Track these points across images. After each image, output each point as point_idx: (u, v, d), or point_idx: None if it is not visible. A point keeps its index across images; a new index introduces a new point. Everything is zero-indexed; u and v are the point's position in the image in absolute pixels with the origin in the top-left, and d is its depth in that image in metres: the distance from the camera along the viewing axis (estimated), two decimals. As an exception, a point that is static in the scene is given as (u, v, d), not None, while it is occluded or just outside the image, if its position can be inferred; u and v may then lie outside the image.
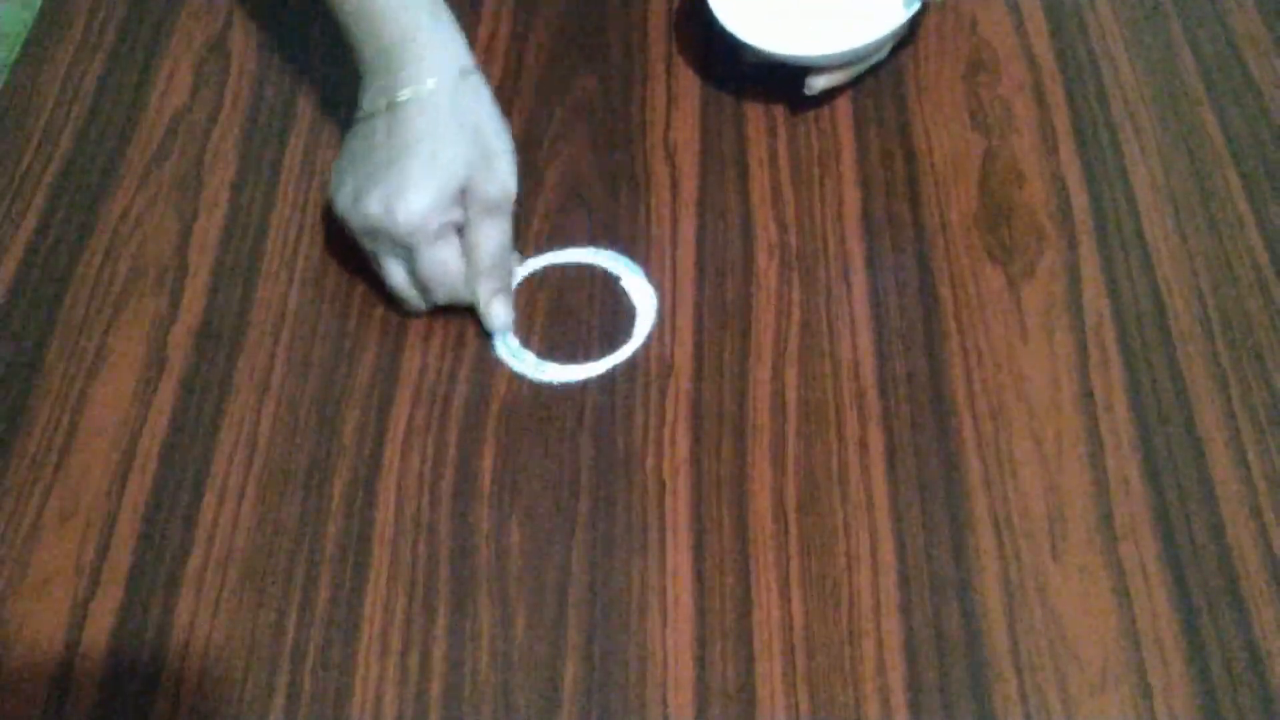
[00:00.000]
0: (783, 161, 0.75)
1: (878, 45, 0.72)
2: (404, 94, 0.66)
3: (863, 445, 0.64)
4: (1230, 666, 0.57)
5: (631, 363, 0.68)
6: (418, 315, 0.70)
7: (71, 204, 0.77)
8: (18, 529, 0.65)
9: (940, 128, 0.76)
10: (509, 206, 0.68)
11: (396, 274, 0.68)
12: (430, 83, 0.66)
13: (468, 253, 0.68)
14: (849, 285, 0.70)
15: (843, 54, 0.71)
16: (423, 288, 0.68)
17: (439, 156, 0.65)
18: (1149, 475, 0.62)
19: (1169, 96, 0.76)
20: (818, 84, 0.73)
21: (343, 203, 0.67)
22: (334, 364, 0.69)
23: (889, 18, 0.72)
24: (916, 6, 0.71)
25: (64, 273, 0.74)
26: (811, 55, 0.72)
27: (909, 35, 0.77)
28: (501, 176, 0.67)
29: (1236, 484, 0.62)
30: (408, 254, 0.66)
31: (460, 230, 0.67)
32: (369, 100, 0.68)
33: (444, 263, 0.67)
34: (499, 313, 0.68)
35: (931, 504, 0.62)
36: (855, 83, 0.76)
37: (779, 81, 0.76)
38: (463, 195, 0.66)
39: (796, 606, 0.60)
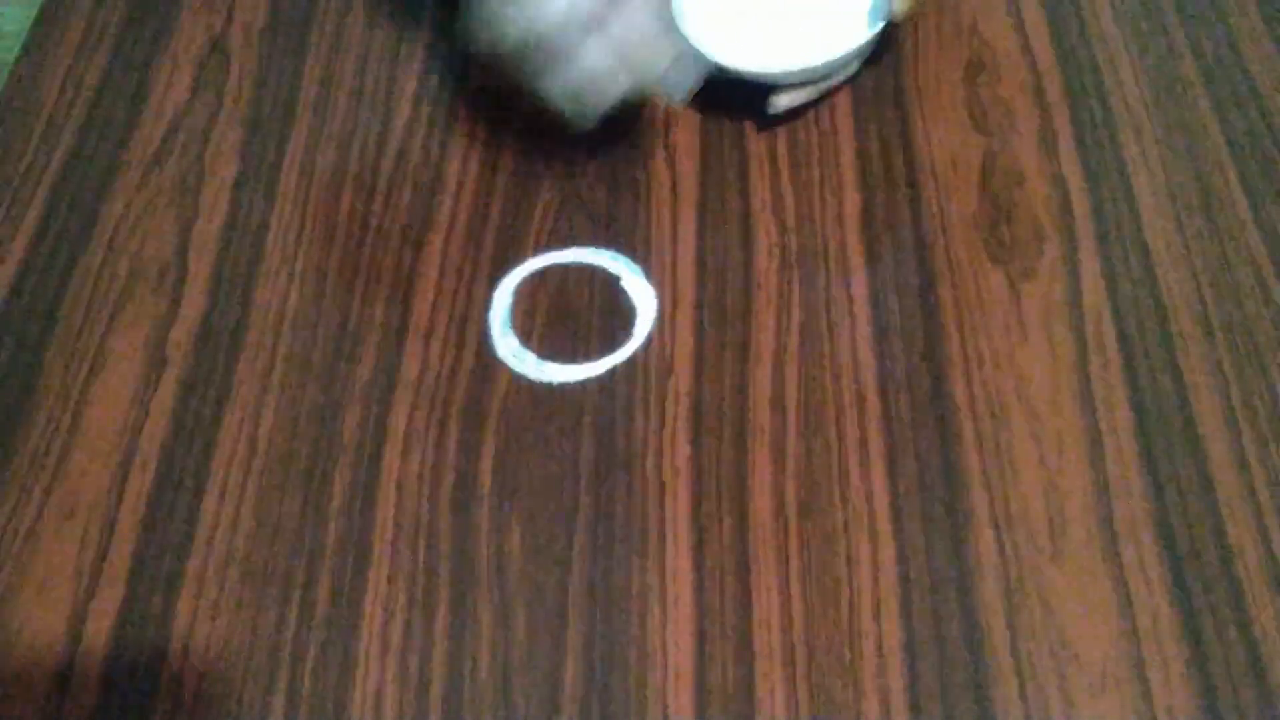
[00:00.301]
0: (783, 161, 0.75)
1: (841, 63, 0.71)
2: None
3: (863, 445, 0.64)
4: (1230, 666, 0.57)
5: (631, 363, 0.68)
6: (588, 129, 0.68)
7: (71, 204, 0.77)
8: (18, 529, 0.65)
9: (940, 128, 0.76)
10: None
11: (555, 91, 0.66)
12: None
13: (626, 35, 0.65)
14: (849, 285, 0.70)
15: (804, 71, 0.71)
16: (583, 95, 0.66)
17: None
18: (1149, 475, 0.62)
19: (1169, 96, 0.76)
20: (780, 103, 0.73)
21: (475, 34, 0.65)
22: (334, 364, 0.69)
23: (851, 36, 0.72)
24: (880, 25, 0.71)
25: (64, 273, 0.74)
26: (773, 72, 0.71)
27: (876, 53, 0.77)
28: None
29: (1236, 484, 0.62)
30: (561, 65, 0.64)
31: (609, 21, 0.65)
32: None
33: (592, 64, 0.65)
34: (679, 78, 0.67)
35: (931, 504, 0.62)
36: (858, 84, 0.76)
37: (741, 99, 0.75)
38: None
39: (796, 606, 0.60)
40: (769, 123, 0.76)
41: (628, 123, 0.78)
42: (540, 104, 0.67)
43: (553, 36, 0.64)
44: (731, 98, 0.76)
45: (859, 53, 0.72)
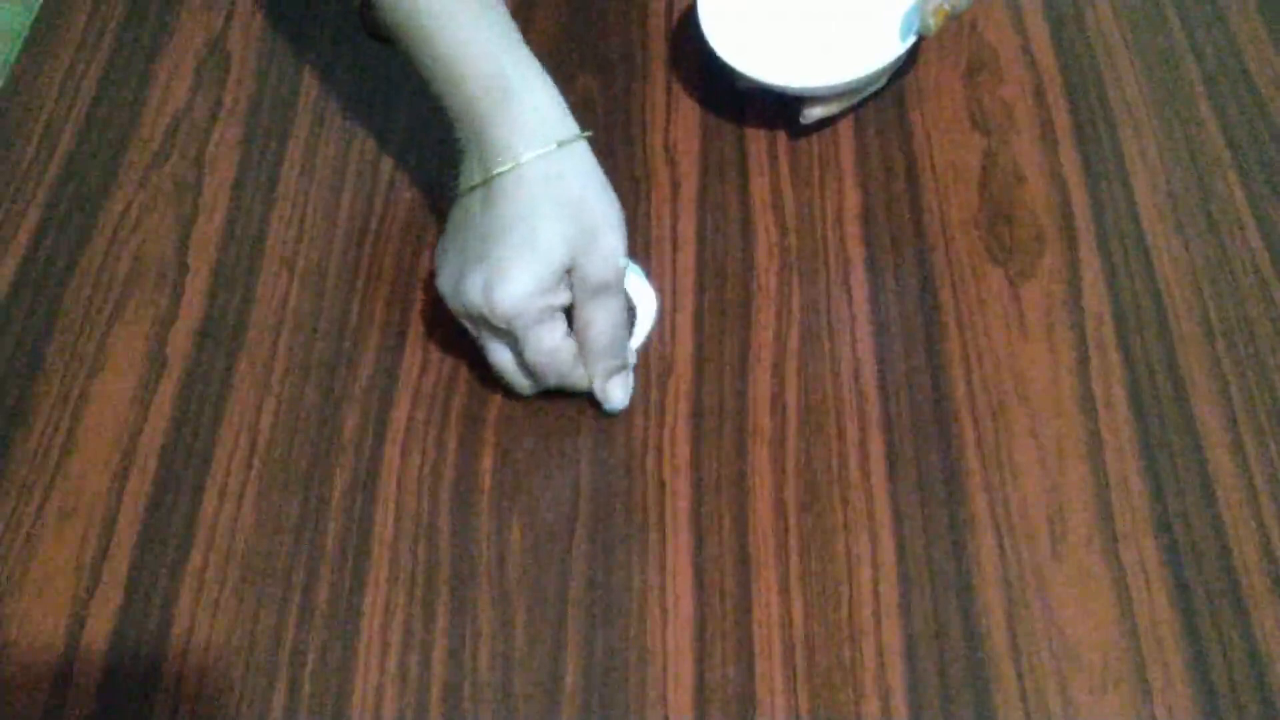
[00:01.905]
0: (783, 161, 0.75)
1: (873, 78, 0.72)
2: (500, 168, 0.62)
3: (863, 445, 0.64)
4: (1230, 666, 0.57)
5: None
6: (527, 398, 0.67)
7: (71, 204, 0.77)
8: (18, 528, 0.65)
9: (940, 128, 0.76)
10: (619, 284, 0.64)
11: (503, 359, 0.65)
12: (528, 155, 0.61)
13: (578, 334, 0.64)
14: (849, 286, 0.70)
15: (838, 86, 0.71)
16: (530, 373, 0.65)
17: (538, 236, 0.61)
18: (1149, 475, 0.62)
19: (1169, 96, 0.76)
20: (813, 114, 0.73)
21: (444, 285, 0.64)
22: (334, 364, 0.69)
23: (885, 51, 0.72)
24: (913, 40, 0.71)
25: (64, 273, 0.74)
26: (806, 86, 0.72)
27: (906, 65, 0.77)
28: (606, 253, 0.62)
29: (1236, 484, 0.62)
30: (512, 339, 0.63)
31: (568, 311, 0.64)
32: (466, 173, 0.64)
33: (551, 348, 0.63)
34: (616, 395, 0.65)
35: (931, 504, 0.62)
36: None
37: (774, 107, 0.75)
38: (567, 276, 0.62)
39: (796, 606, 0.60)
40: (769, 123, 0.76)
41: (628, 127, 0.77)
42: (491, 365, 0.66)
43: (508, 320, 0.62)
44: (761, 107, 0.76)
45: (891, 67, 0.72)
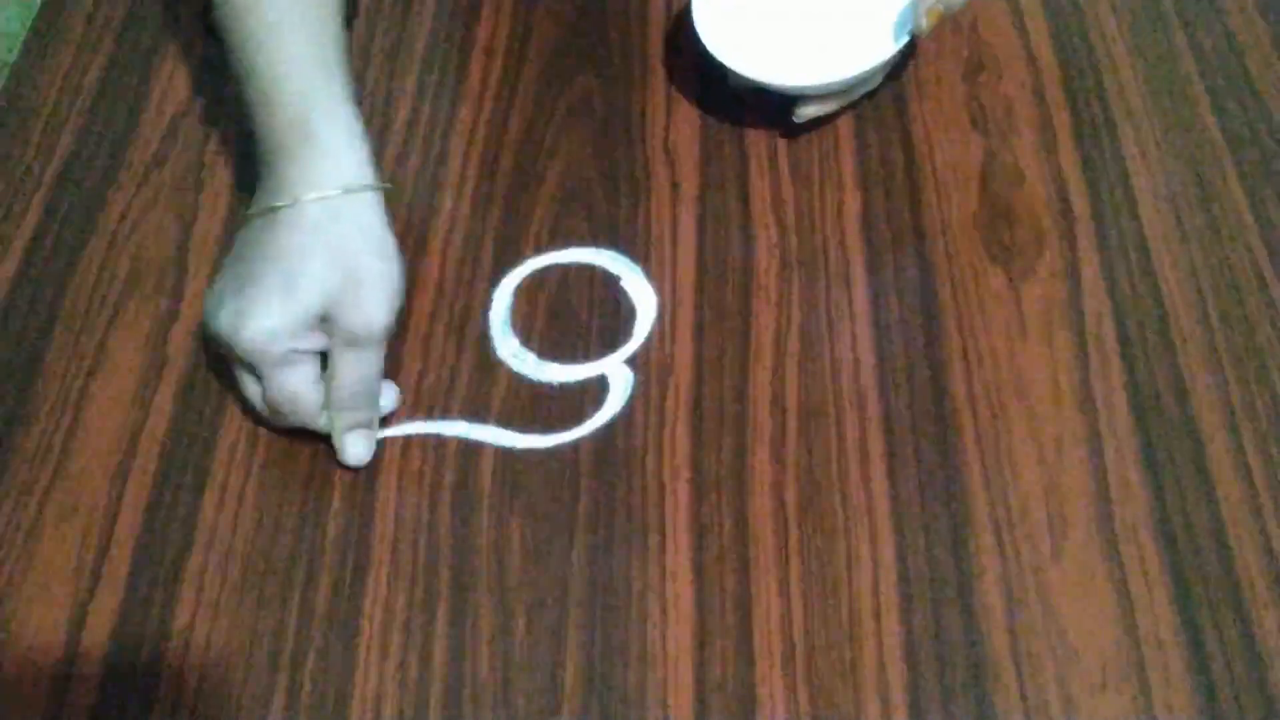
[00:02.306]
0: (783, 161, 0.75)
1: (866, 77, 0.72)
2: (280, 203, 0.61)
3: (863, 445, 0.64)
4: (1230, 666, 0.57)
5: (631, 363, 0.68)
6: (278, 430, 0.66)
7: (71, 204, 0.77)
8: (18, 529, 0.65)
9: (940, 128, 0.76)
10: (375, 340, 0.63)
11: (252, 391, 0.64)
12: (309, 196, 0.61)
13: (327, 381, 0.63)
14: (849, 286, 0.70)
15: (830, 84, 0.71)
16: (271, 410, 0.64)
17: (296, 280, 0.60)
18: (1149, 475, 0.62)
19: (1169, 96, 0.76)
20: (807, 112, 0.73)
21: (207, 307, 0.63)
22: (334, 364, 0.69)
23: (878, 50, 0.71)
24: (906, 40, 0.71)
25: (64, 273, 0.74)
26: (799, 85, 0.71)
27: (900, 65, 0.77)
28: (367, 309, 0.61)
29: (1236, 484, 0.62)
30: (256, 376, 0.63)
31: (324, 356, 0.63)
32: (255, 201, 0.64)
33: (291, 392, 0.62)
34: (355, 450, 0.64)
35: (931, 504, 0.62)
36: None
37: (767, 106, 0.75)
38: (324, 323, 0.61)
39: (796, 606, 0.60)
40: (769, 123, 0.76)
41: (628, 127, 0.78)
42: (242, 396, 0.65)
43: (251, 355, 0.61)
44: (756, 106, 0.76)
45: (885, 66, 0.72)
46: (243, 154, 0.79)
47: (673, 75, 0.80)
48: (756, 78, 0.72)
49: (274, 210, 0.62)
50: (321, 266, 0.61)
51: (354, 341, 0.62)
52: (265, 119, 0.63)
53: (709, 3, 0.74)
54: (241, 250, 0.64)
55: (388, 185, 0.64)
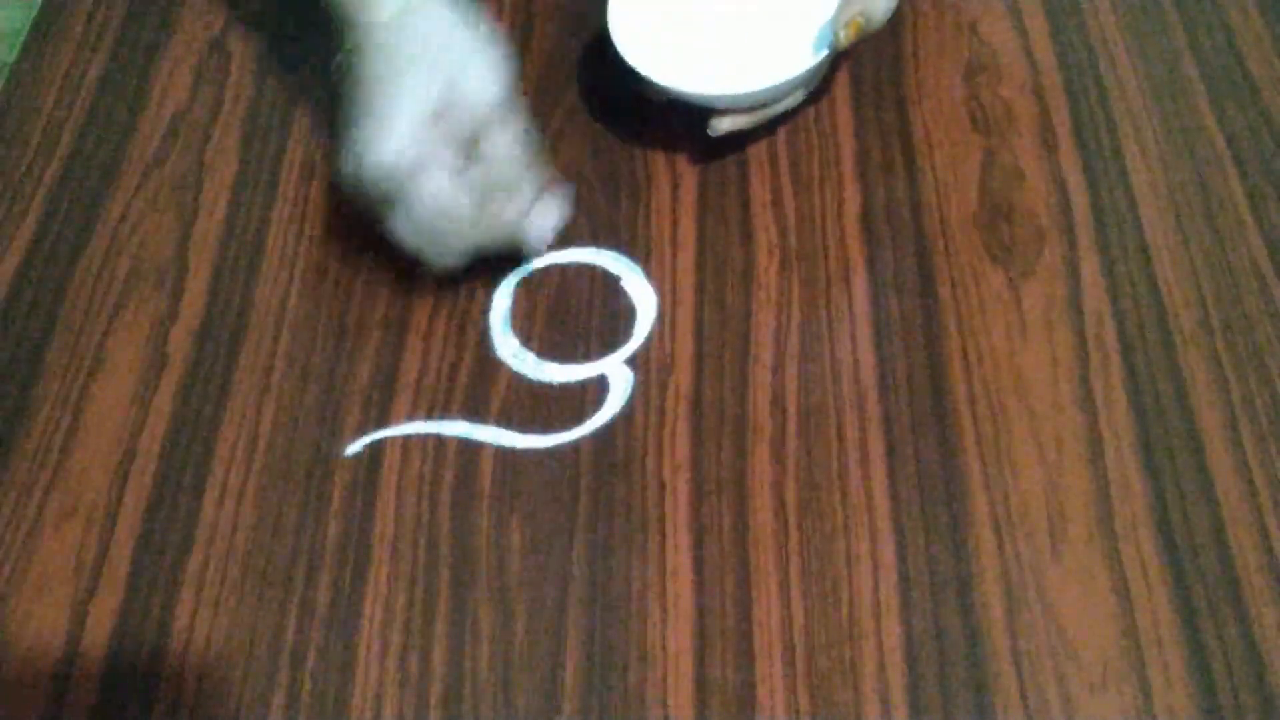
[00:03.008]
0: (783, 161, 0.75)
1: (784, 90, 0.70)
2: (357, 35, 0.62)
3: (863, 445, 0.64)
4: (1230, 666, 0.57)
5: (631, 363, 0.68)
6: (451, 276, 0.65)
7: (71, 204, 0.77)
8: (18, 528, 0.65)
9: (940, 128, 0.76)
10: (504, 113, 0.62)
11: (405, 229, 0.63)
12: (383, 15, 0.62)
13: (484, 178, 0.62)
14: (849, 285, 0.70)
15: (744, 96, 0.70)
16: (436, 233, 0.62)
17: (403, 82, 0.60)
18: (1149, 475, 0.62)
19: (1169, 96, 0.76)
20: (721, 126, 0.71)
21: (340, 168, 0.63)
22: (334, 364, 0.69)
23: (795, 63, 0.70)
24: (824, 54, 0.70)
25: (64, 273, 0.74)
26: (713, 95, 0.70)
27: (823, 84, 0.75)
28: (481, 84, 0.61)
29: (1236, 484, 0.62)
30: (408, 200, 0.62)
31: (466, 159, 0.62)
32: (343, 41, 0.64)
33: (432, 193, 0.61)
34: (537, 227, 0.63)
35: (931, 504, 0.62)
36: (858, 83, 0.76)
37: (683, 120, 0.74)
38: (443, 120, 0.61)
39: (796, 606, 0.60)
40: (768, 123, 0.76)
41: (628, 127, 0.78)
42: (400, 243, 0.64)
43: (391, 173, 0.61)
44: (674, 118, 0.75)
45: (802, 80, 0.70)
46: (243, 154, 0.79)
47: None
48: (670, 87, 0.70)
49: (352, 48, 0.63)
50: (421, 68, 0.61)
51: (485, 120, 0.62)
52: None
53: (627, 11, 0.73)
54: (346, 94, 0.63)
55: None
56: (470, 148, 0.62)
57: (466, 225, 0.63)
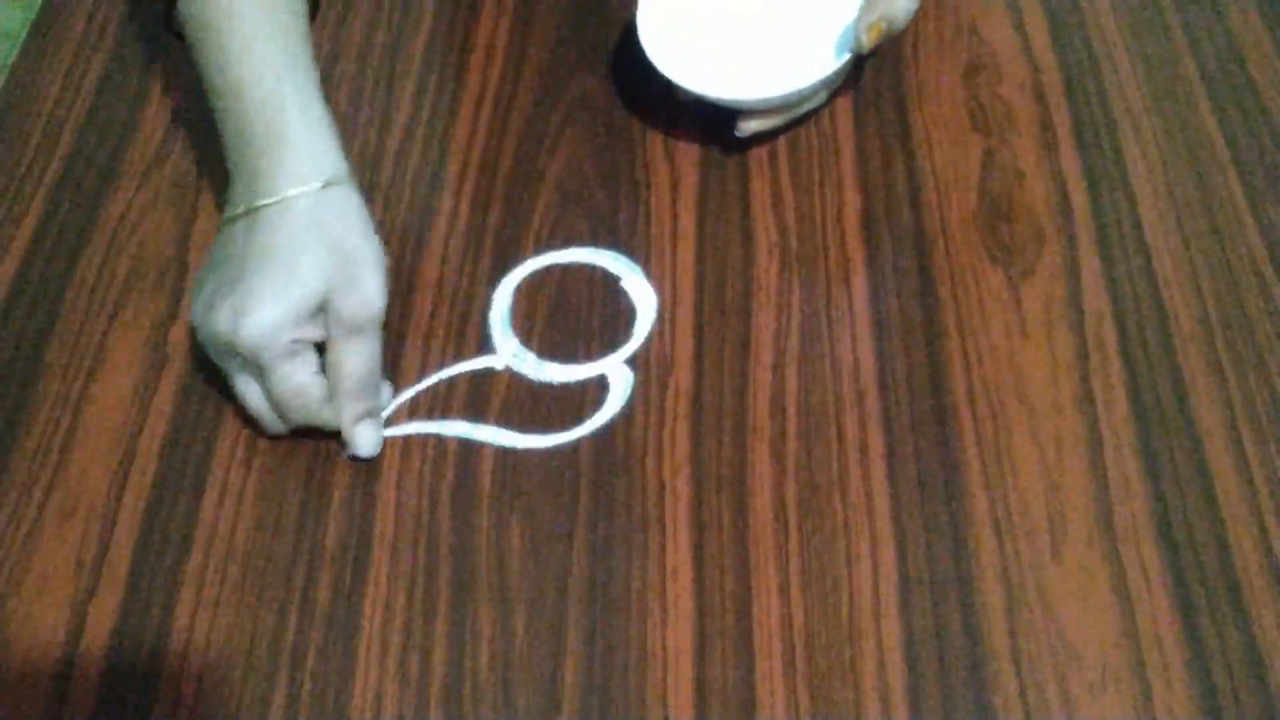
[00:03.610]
0: (783, 162, 0.75)
1: (810, 92, 0.71)
2: (264, 200, 0.62)
3: (863, 445, 0.64)
4: (1230, 666, 0.57)
5: (631, 363, 0.68)
6: (275, 437, 0.66)
7: (71, 204, 0.77)
8: (18, 528, 0.65)
9: (940, 128, 0.76)
10: (375, 325, 0.64)
11: (250, 393, 0.64)
12: (293, 191, 0.62)
13: (330, 373, 0.63)
14: (849, 285, 0.70)
15: (771, 100, 0.71)
16: (277, 410, 0.64)
17: (294, 270, 0.61)
18: (1149, 475, 0.62)
19: (1169, 96, 0.76)
20: (749, 127, 0.72)
21: (195, 313, 0.63)
22: (334, 364, 0.69)
23: (820, 67, 0.71)
24: (848, 56, 0.70)
25: (64, 273, 0.74)
26: (742, 99, 0.71)
27: (847, 82, 0.76)
28: (366, 294, 0.62)
29: (1236, 484, 0.62)
30: (260, 374, 0.63)
31: (321, 349, 0.64)
32: (232, 204, 0.64)
33: (297, 385, 0.62)
34: (365, 439, 0.64)
35: (931, 504, 0.62)
36: (858, 84, 0.77)
37: (712, 121, 0.75)
38: (321, 313, 0.62)
39: (796, 606, 0.60)
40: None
41: (628, 127, 0.78)
42: (240, 401, 0.65)
43: (253, 354, 0.61)
44: (702, 120, 0.75)
45: (826, 83, 0.71)
46: (243, 154, 0.79)
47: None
48: (699, 91, 0.71)
49: (256, 210, 0.63)
50: (316, 255, 0.62)
51: (353, 328, 0.63)
52: (237, 119, 0.64)
53: (655, 15, 0.74)
54: (226, 252, 0.64)
55: (356, 180, 0.66)
56: (329, 349, 0.63)
57: (309, 416, 0.64)
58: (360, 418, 0.64)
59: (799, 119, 0.74)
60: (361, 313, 0.63)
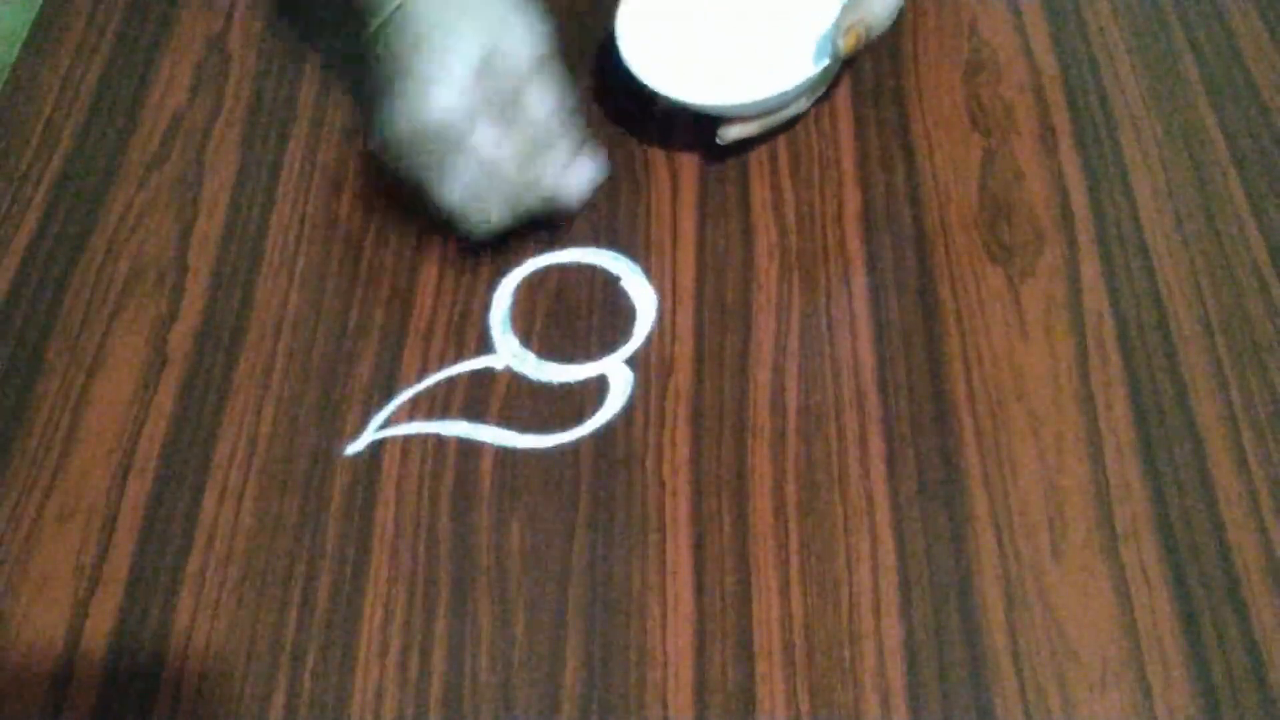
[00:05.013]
0: (783, 161, 0.75)
1: (790, 98, 0.71)
2: (391, 4, 0.62)
3: (863, 445, 0.64)
4: (1230, 666, 0.57)
5: (631, 363, 0.68)
6: (493, 237, 0.66)
7: (71, 204, 0.77)
8: (18, 529, 0.65)
9: (940, 128, 0.76)
10: (543, 70, 0.64)
11: (449, 191, 0.63)
12: None
13: (522, 130, 0.63)
14: (849, 285, 0.70)
15: (749, 106, 0.70)
16: (482, 192, 0.63)
17: (448, 41, 0.61)
18: (1149, 475, 0.62)
19: (1169, 96, 0.76)
20: (730, 134, 0.72)
21: (377, 137, 0.63)
22: (334, 364, 0.69)
23: (799, 72, 0.70)
24: (826, 62, 0.70)
25: (64, 273, 0.74)
26: (721, 105, 0.71)
27: (827, 91, 0.76)
28: (521, 42, 0.63)
29: (1236, 484, 0.62)
30: (456, 158, 0.62)
31: (507, 118, 0.63)
32: (370, 13, 0.64)
33: (482, 153, 0.62)
34: (573, 182, 0.65)
35: (931, 504, 0.62)
36: (858, 84, 0.76)
37: (691, 130, 0.74)
38: (487, 77, 0.62)
39: (796, 606, 0.60)
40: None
41: (628, 128, 0.78)
42: (443, 209, 0.65)
43: (442, 130, 0.61)
44: (682, 127, 0.75)
45: (806, 88, 0.71)
46: (243, 154, 0.79)
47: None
48: (677, 98, 0.71)
49: (392, 14, 0.63)
50: (465, 23, 0.62)
51: (526, 72, 0.62)
52: None
53: (633, 22, 0.74)
54: (378, 66, 0.64)
55: None
56: (511, 106, 0.63)
57: (511, 182, 0.64)
58: (567, 161, 0.64)
59: (781, 125, 0.73)
60: (526, 50, 0.62)
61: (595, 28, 0.82)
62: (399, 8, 0.63)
